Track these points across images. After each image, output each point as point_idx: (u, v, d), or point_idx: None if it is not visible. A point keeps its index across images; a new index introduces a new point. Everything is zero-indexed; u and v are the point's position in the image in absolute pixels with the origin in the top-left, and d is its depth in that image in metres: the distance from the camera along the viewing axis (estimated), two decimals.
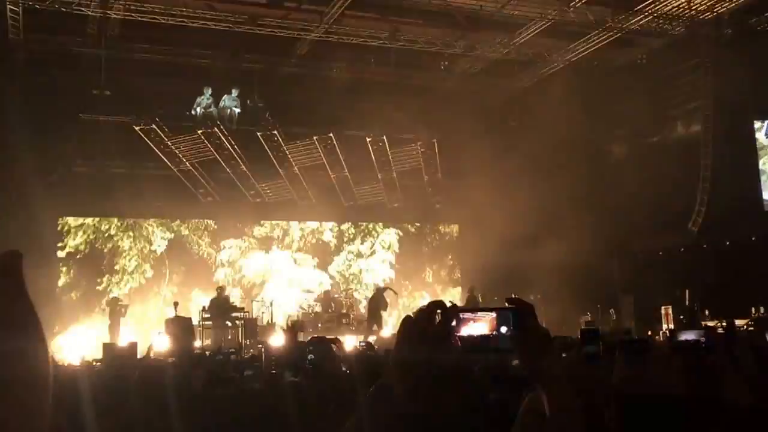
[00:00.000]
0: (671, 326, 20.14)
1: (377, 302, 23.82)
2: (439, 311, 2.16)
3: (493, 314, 2.30)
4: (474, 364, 5.39)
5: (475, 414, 3.76)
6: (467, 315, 2.30)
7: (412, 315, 2.18)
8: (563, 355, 7.25)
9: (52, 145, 21.78)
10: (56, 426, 1.21)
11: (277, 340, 20.62)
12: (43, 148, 21.20)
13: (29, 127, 20.50)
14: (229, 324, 21.91)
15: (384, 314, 23.34)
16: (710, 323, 19.04)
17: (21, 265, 1.23)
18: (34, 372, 1.22)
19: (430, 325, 2.13)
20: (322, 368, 7.08)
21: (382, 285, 26.10)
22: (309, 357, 7.38)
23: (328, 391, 5.77)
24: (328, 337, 14.04)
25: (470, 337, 2.26)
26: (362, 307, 25.76)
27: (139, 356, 14.60)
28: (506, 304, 2.29)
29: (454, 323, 2.20)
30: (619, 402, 3.21)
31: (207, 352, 15.04)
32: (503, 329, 2.25)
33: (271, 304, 24.03)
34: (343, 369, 7.84)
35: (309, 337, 11.27)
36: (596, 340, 7.19)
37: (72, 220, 24.33)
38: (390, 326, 23.21)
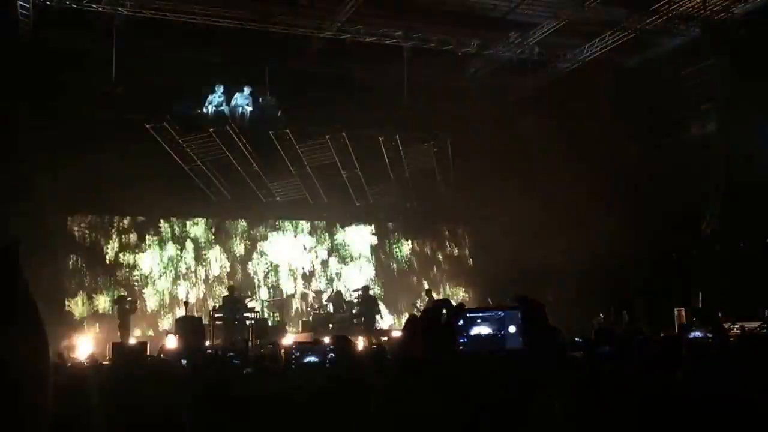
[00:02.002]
0: None
1: (369, 304, 23.64)
2: (445, 310, 2.06)
3: (502, 313, 2.18)
4: (481, 363, 5.30)
5: (482, 412, 3.67)
6: (475, 314, 2.18)
7: (417, 314, 2.07)
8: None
9: (62, 142, 21.70)
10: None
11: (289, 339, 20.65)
12: (52, 145, 21.15)
13: (39, 125, 20.49)
14: (240, 324, 21.85)
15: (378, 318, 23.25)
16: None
17: (18, 255, 1.16)
18: (29, 372, 1.14)
19: (436, 324, 2.02)
20: (342, 367, 7.02)
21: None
22: (330, 356, 7.28)
23: (346, 390, 5.68)
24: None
25: (478, 336, 2.14)
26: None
27: (148, 355, 14.59)
28: (515, 303, 2.18)
29: (461, 322, 2.10)
30: (638, 399, 3.13)
31: (219, 352, 15.02)
32: (511, 328, 2.13)
33: (282, 305, 23.96)
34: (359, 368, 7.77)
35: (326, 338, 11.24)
36: (610, 340, 7.11)
37: None
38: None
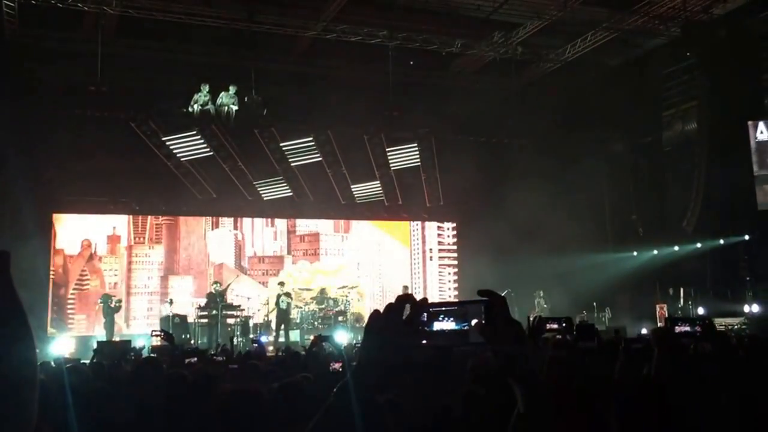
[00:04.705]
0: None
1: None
2: (408, 305, 2.12)
3: (465, 308, 2.27)
4: (445, 359, 5.41)
5: (446, 407, 3.79)
6: (438, 309, 2.26)
7: (380, 310, 2.12)
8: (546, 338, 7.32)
9: (47, 140, 21.68)
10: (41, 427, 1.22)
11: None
12: (37, 143, 21.15)
13: (24, 123, 20.48)
14: (225, 322, 21.91)
15: None
16: None
17: (9, 263, 1.24)
18: (21, 371, 1.21)
19: (398, 319, 2.07)
20: (324, 366, 7.10)
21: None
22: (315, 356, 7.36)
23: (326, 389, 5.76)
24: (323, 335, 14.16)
25: (441, 332, 2.23)
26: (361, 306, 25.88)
27: (133, 354, 14.62)
28: (478, 297, 2.24)
29: (424, 317, 2.16)
30: (621, 397, 3.22)
31: (205, 350, 15.13)
32: (474, 322, 2.21)
33: (267, 302, 24.00)
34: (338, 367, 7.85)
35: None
36: (592, 336, 7.18)
37: None
38: None
